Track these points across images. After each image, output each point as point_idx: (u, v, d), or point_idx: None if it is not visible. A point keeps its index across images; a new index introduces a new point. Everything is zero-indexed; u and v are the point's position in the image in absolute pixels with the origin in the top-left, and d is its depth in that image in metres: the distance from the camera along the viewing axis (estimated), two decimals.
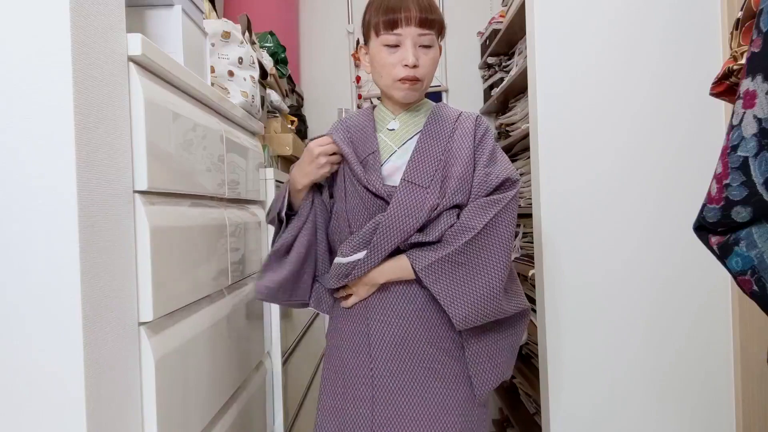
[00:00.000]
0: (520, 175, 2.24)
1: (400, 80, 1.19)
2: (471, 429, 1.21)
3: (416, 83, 1.20)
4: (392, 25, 1.18)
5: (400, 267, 1.18)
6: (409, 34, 1.18)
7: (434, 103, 1.32)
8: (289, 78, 2.55)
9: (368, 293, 1.21)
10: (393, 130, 1.26)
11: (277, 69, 2.21)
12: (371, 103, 1.35)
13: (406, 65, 1.18)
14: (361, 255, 1.18)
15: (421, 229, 1.17)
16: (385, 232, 1.16)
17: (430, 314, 1.20)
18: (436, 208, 1.17)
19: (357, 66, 3.22)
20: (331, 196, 1.29)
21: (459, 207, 1.20)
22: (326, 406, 1.26)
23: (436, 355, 1.20)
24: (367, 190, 1.20)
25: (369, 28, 1.23)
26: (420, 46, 1.20)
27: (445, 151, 1.22)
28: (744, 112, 0.73)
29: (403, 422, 1.18)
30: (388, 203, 1.18)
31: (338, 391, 1.24)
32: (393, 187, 1.20)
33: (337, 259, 1.22)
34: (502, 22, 2.63)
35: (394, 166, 1.23)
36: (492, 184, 1.20)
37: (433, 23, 1.20)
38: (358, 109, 1.35)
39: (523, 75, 2.07)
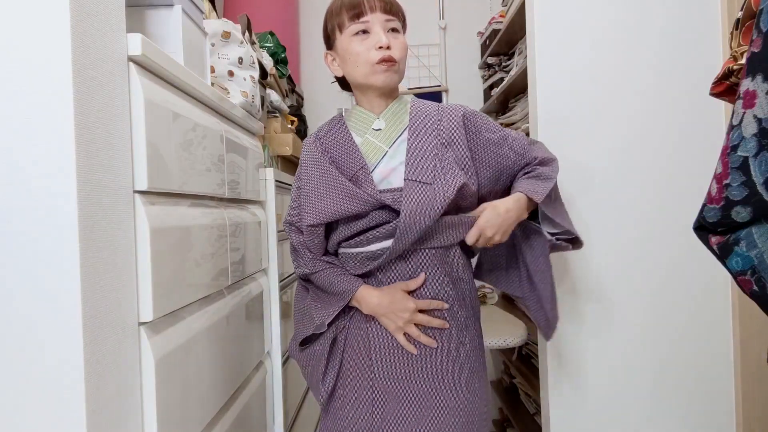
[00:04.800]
0: None
1: (377, 63, 1.19)
2: (473, 429, 1.21)
3: (394, 64, 1.20)
4: (358, 15, 1.19)
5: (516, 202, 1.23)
6: (376, 20, 1.19)
7: (410, 98, 1.32)
8: (289, 78, 2.55)
9: None
10: (380, 130, 1.25)
11: (277, 69, 2.21)
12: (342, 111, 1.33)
13: (380, 47, 1.18)
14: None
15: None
16: (403, 233, 1.16)
17: (431, 316, 1.21)
18: (446, 204, 1.17)
19: None
20: None
21: (465, 186, 1.20)
22: (327, 407, 1.26)
23: (437, 356, 1.20)
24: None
25: (333, 30, 1.24)
26: (388, 30, 1.20)
27: (438, 145, 1.22)
28: (744, 112, 0.73)
29: (404, 425, 1.18)
30: (387, 206, 1.18)
31: (336, 393, 1.24)
32: (389, 190, 1.20)
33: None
34: (502, 22, 2.63)
35: (388, 168, 1.22)
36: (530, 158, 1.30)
37: (397, 11, 1.22)
38: (326, 123, 1.33)
39: (523, 75, 2.08)
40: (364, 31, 1.20)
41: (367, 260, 1.21)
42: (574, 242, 1.34)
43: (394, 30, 1.21)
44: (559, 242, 1.30)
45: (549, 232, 1.29)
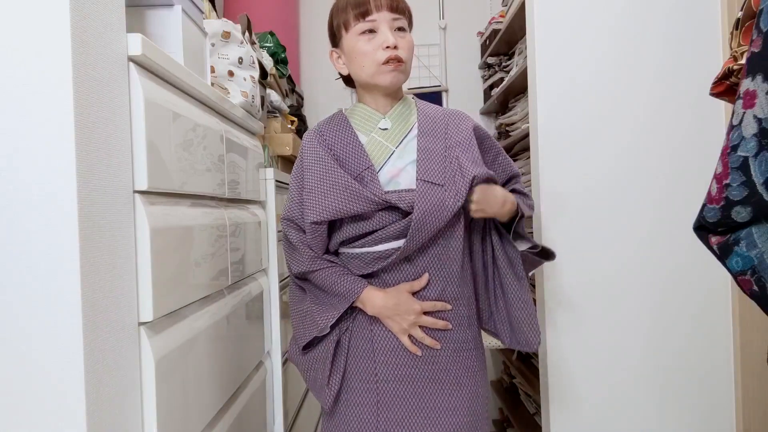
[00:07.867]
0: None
1: (384, 63, 1.18)
2: (476, 428, 1.21)
3: (401, 64, 1.20)
4: (364, 14, 1.19)
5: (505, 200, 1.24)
6: (383, 18, 1.19)
7: (414, 99, 1.32)
8: (289, 78, 2.54)
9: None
10: (386, 129, 1.24)
11: (277, 69, 2.20)
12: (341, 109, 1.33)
13: (387, 47, 1.18)
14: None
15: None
16: (415, 234, 1.15)
17: (435, 317, 1.21)
18: (457, 207, 1.17)
19: None
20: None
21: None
22: (331, 410, 1.25)
23: (441, 357, 1.20)
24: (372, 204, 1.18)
25: (339, 28, 1.24)
26: (395, 29, 1.20)
27: (446, 148, 1.22)
28: (744, 112, 0.73)
29: (410, 426, 1.18)
30: (394, 207, 1.17)
31: (341, 396, 1.23)
32: (396, 191, 1.19)
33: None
34: (502, 22, 2.63)
35: (396, 168, 1.21)
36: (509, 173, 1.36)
37: (403, 9, 1.22)
38: (328, 119, 1.31)
39: (523, 75, 2.08)
40: (371, 30, 1.19)
41: (373, 261, 1.20)
42: (545, 256, 1.36)
43: (400, 29, 1.20)
44: (530, 254, 1.32)
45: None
